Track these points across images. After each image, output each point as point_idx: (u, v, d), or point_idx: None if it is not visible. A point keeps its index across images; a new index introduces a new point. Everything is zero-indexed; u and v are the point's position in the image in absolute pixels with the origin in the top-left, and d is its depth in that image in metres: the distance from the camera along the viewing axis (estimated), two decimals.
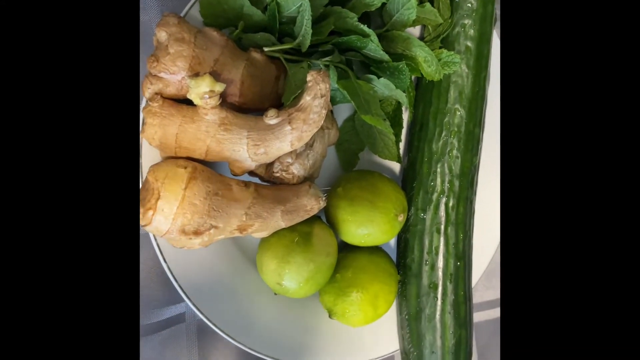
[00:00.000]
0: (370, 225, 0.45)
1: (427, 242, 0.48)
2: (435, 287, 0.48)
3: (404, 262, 0.49)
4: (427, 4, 0.45)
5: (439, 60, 0.45)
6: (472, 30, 0.48)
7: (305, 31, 0.41)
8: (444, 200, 0.48)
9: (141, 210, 0.39)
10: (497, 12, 0.50)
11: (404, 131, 0.51)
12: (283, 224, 0.43)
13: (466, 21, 0.48)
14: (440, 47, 0.47)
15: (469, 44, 0.48)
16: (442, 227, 0.48)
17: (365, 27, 0.42)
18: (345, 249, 0.48)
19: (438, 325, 0.47)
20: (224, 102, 0.42)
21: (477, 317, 0.57)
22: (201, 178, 0.40)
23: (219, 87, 0.39)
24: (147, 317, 0.50)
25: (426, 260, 0.48)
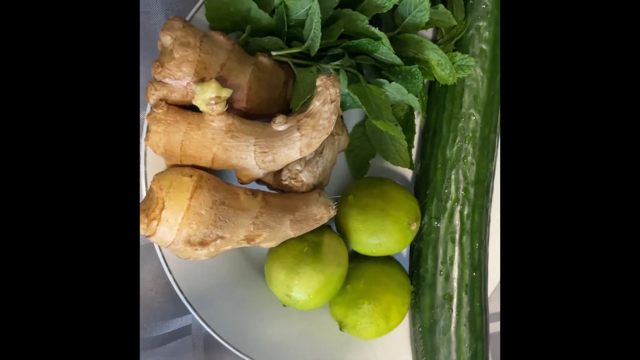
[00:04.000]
0: (382, 235, 0.44)
1: (441, 252, 0.47)
2: (450, 298, 0.46)
3: (417, 272, 0.48)
4: (441, 6, 0.44)
5: (453, 63, 0.44)
6: (487, 33, 0.47)
7: (314, 34, 0.41)
8: (458, 208, 0.47)
9: (145, 220, 0.38)
10: None
11: (416, 137, 0.50)
12: (292, 234, 0.42)
13: (481, 23, 0.47)
14: (454, 50, 0.47)
15: (483, 46, 0.47)
16: (457, 236, 0.47)
17: (376, 30, 0.42)
18: (356, 259, 0.47)
19: (453, 338, 0.46)
20: (231, 108, 0.41)
21: (493, 328, 0.55)
22: (207, 187, 0.39)
23: (226, 93, 0.38)
24: (153, 330, 0.50)
25: (440, 271, 0.47)
